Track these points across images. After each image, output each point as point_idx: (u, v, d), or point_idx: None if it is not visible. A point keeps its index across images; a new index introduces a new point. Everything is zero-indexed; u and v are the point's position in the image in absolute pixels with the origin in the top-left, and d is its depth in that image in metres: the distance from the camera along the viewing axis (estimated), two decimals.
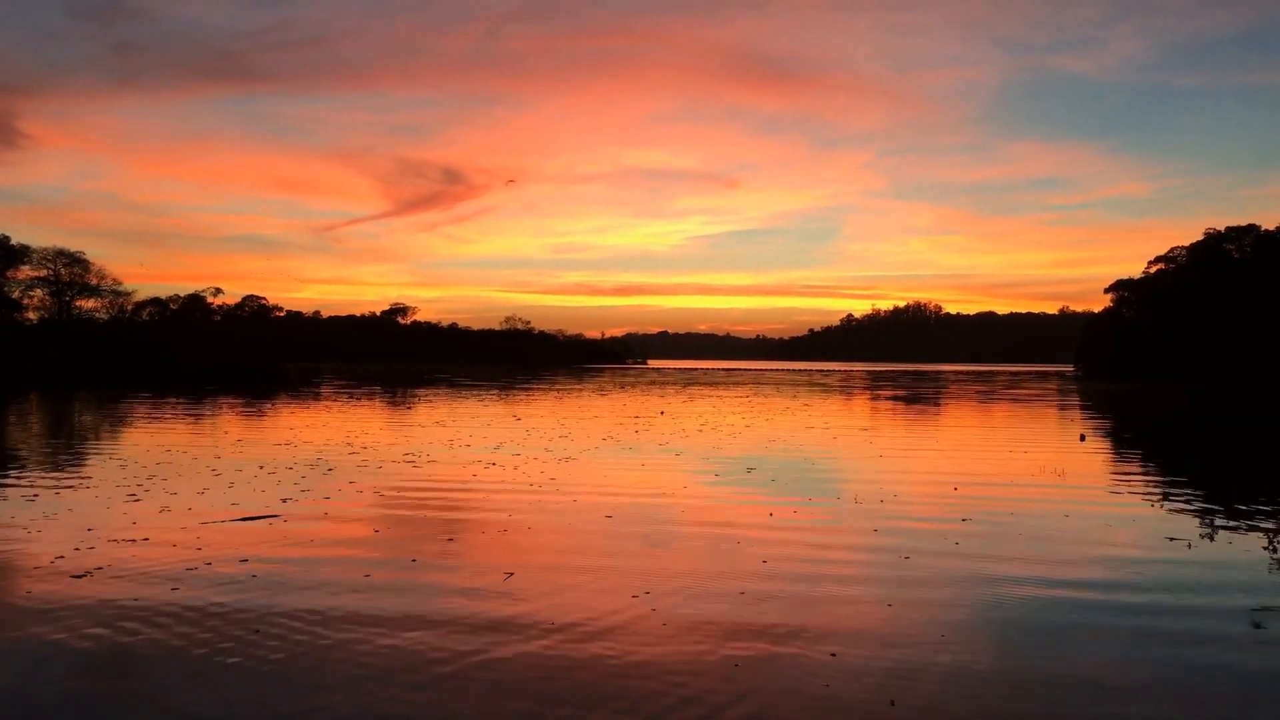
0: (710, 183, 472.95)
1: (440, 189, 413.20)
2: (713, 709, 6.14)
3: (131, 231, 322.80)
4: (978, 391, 69.07)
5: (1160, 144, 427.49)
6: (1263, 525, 13.03)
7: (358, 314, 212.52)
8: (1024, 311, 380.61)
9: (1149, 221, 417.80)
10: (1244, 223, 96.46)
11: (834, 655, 7.19)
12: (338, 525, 12.56)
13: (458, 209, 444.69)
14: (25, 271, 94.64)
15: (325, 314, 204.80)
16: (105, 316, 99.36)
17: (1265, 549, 11.37)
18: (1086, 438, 27.98)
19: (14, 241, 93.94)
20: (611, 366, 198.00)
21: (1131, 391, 68.60)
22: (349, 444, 23.78)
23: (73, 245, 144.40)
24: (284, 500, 14.50)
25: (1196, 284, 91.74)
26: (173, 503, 14.12)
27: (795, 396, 57.08)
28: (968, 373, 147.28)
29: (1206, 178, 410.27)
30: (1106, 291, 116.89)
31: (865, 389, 74.05)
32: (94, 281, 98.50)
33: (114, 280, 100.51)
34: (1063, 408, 46.89)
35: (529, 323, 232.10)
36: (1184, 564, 10.51)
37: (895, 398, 57.55)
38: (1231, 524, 13.16)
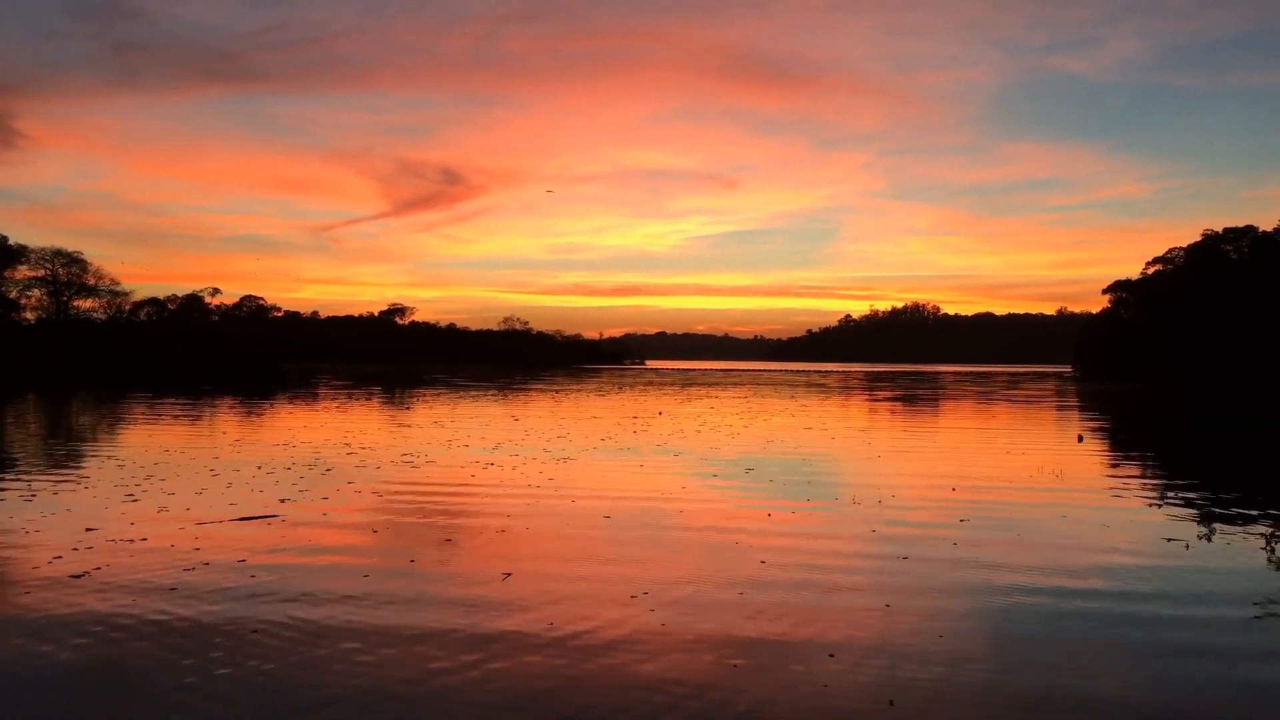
0: (709, 183, 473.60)
1: (439, 189, 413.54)
2: (711, 709, 6.14)
3: (130, 231, 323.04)
4: (975, 392, 69.12)
5: (1159, 145, 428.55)
6: (1260, 527, 13.04)
7: (356, 314, 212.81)
8: (1022, 312, 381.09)
9: (1148, 222, 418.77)
10: (1242, 224, 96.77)
11: (832, 656, 7.20)
12: (336, 526, 12.56)
13: (456, 209, 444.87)
14: (23, 271, 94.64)
15: (323, 314, 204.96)
16: (103, 316, 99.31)
17: (1263, 550, 11.39)
18: (1084, 439, 28.01)
19: (12, 241, 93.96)
20: (610, 367, 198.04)
21: (1129, 392, 68.66)
22: (347, 444, 23.77)
23: (71, 245, 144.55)
24: (282, 501, 14.49)
25: (1194, 285, 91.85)
26: (171, 503, 14.11)
27: (793, 397, 57.09)
28: (966, 374, 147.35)
29: (1205, 179, 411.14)
30: (1104, 292, 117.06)
31: (863, 390, 74.07)
32: (91, 281, 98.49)
33: (112, 280, 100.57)
34: (1061, 409, 46.93)
35: (527, 323, 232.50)
36: (1182, 565, 10.52)
37: (893, 398, 57.57)
38: (1229, 525, 13.18)
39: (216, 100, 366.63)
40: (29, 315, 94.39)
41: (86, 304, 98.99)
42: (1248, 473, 20.49)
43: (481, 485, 16.58)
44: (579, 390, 67.28)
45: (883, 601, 8.79)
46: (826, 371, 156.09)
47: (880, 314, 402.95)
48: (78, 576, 9.43)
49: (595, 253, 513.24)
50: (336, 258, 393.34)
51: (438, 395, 55.03)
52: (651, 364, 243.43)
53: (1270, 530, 12.71)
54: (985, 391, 70.62)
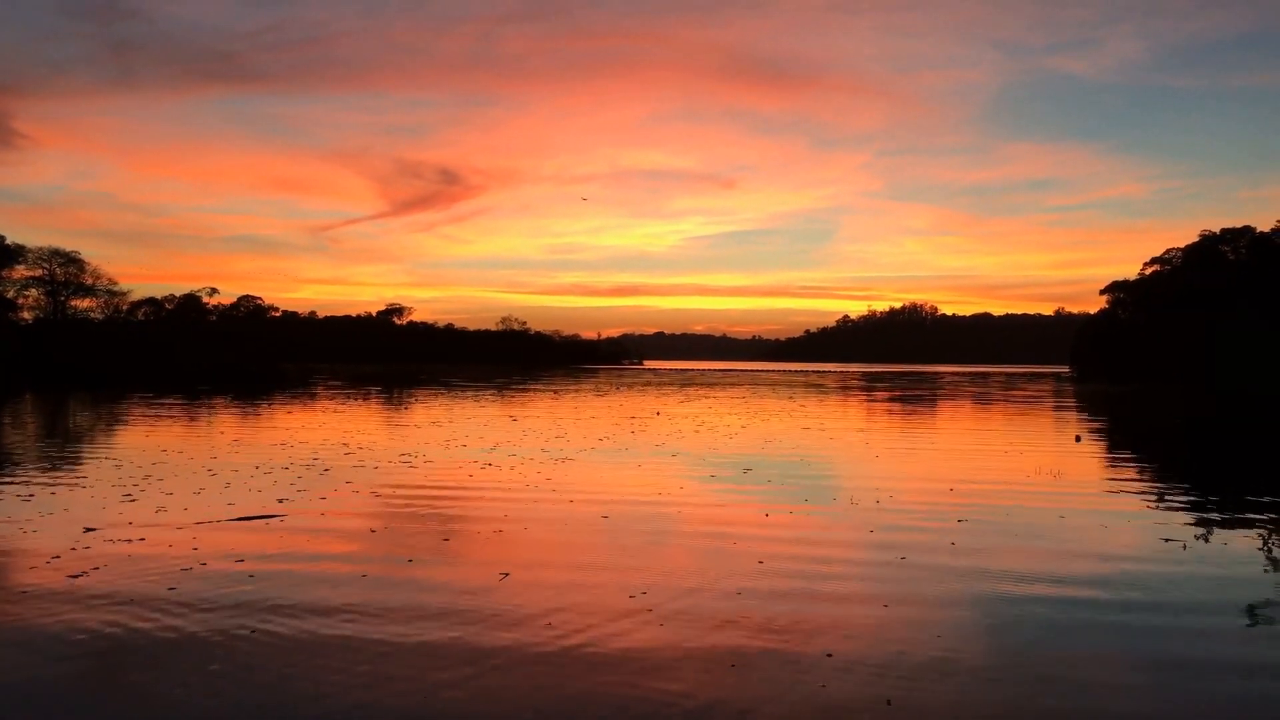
0: (707, 183, 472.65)
1: (437, 189, 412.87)
2: (710, 709, 6.15)
3: (128, 231, 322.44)
4: (973, 393, 69.19)
5: (1158, 145, 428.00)
6: (1257, 526, 13.07)
7: (354, 314, 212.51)
8: (1020, 313, 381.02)
9: (1147, 223, 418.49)
10: (1241, 224, 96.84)
11: (830, 656, 7.21)
12: (334, 527, 12.56)
13: (454, 209, 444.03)
14: (20, 271, 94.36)
15: (321, 314, 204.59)
16: (100, 316, 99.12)
17: (1260, 550, 11.42)
18: (1082, 439, 28.05)
19: (9, 241, 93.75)
20: (608, 367, 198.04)
21: (1127, 393, 68.75)
22: (345, 444, 23.77)
23: (69, 245, 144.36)
24: (280, 501, 14.49)
25: (1191, 286, 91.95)
26: (169, 503, 14.10)
27: (791, 397, 57.13)
28: (964, 374, 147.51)
29: (1204, 179, 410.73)
30: (1102, 293, 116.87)
31: (861, 390, 74.13)
32: (89, 281, 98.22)
33: (109, 280, 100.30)
34: (1058, 409, 46.98)
35: (525, 323, 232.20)
36: (1179, 565, 10.55)
37: (891, 399, 57.62)
38: (1226, 525, 13.21)
39: (215, 100, 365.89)
40: (26, 315, 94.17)
41: (84, 304, 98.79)
42: (1245, 473, 20.52)
43: (479, 486, 16.59)
44: (577, 390, 67.30)
45: (880, 602, 8.81)
46: (824, 372, 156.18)
47: (878, 314, 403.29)
48: (75, 577, 9.43)
49: (593, 253, 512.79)
50: (335, 258, 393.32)
51: (435, 395, 55.02)
52: (649, 364, 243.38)
53: (1268, 530, 12.74)
54: (983, 392, 70.70)
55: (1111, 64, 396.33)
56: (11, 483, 16.24)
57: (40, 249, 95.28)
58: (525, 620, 8.10)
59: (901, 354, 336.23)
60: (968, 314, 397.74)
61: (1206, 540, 12.07)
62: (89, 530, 11.84)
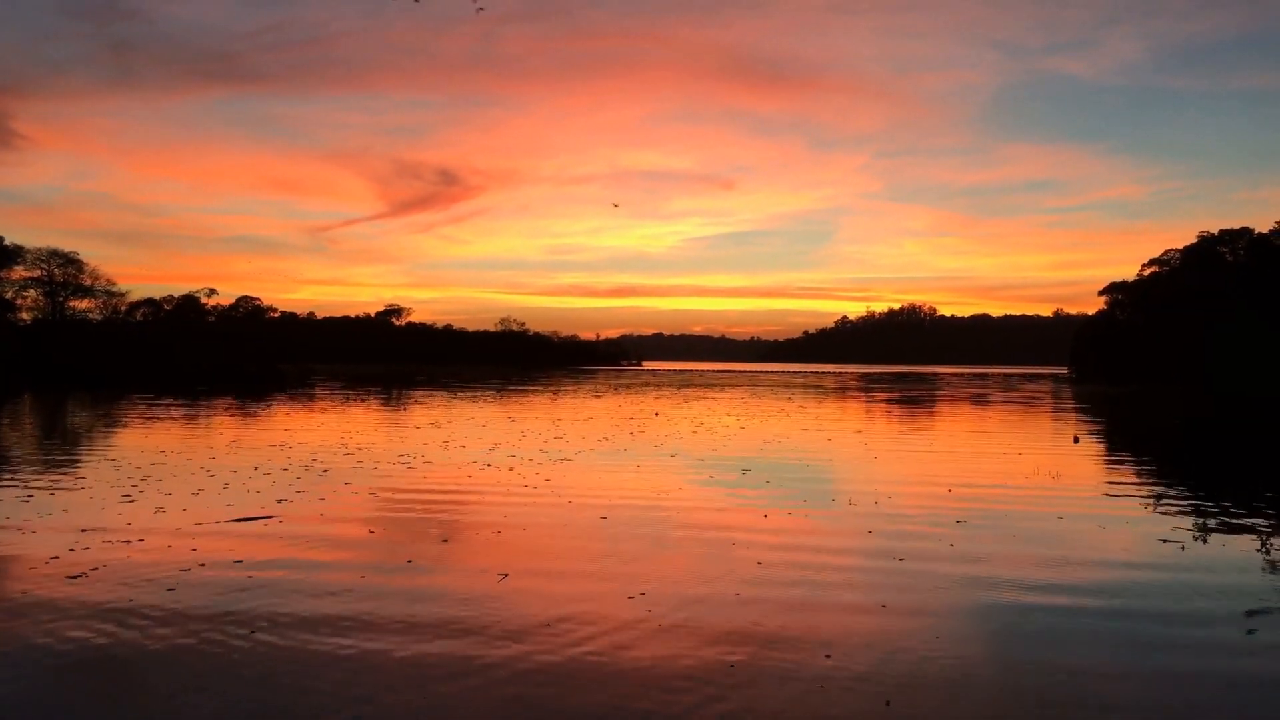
0: (706, 184, 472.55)
1: (436, 190, 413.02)
2: (709, 710, 6.16)
3: (127, 232, 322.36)
4: (972, 394, 69.22)
5: (1156, 146, 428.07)
6: (1255, 528, 13.09)
7: (353, 315, 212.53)
8: (1019, 314, 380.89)
9: (1145, 224, 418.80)
10: (1239, 225, 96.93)
11: (829, 657, 7.22)
12: (333, 527, 12.56)
13: (453, 210, 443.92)
14: (19, 272, 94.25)
15: (320, 315, 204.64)
16: (99, 317, 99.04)
17: (1258, 551, 11.43)
18: (1080, 440, 28.07)
19: (8, 242, 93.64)
20: (606, 368, 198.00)
21: (1125, 394, 68.80)
22: (344, 445, 23.76)
23: (67, 245, 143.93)
24: (279, 502, 14.49)
25: (1190, 287, 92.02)
26: (167, 504, 14.10)
27: (790, 398, 57.14)
28: (962, 375, 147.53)
29: (1202, 180, 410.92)
30: (1100, 294, 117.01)
31: (859, 391, 74.15)
32: (88, 282, 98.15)
33: (108, 281, 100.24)
34: (1057, 410, 47.01)
35: (524, 324, 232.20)
36: (1177, 566, 10.56)
37: (889, 400, 57.64)
38: (1224, 527, 13.22)
39: (214, 100, 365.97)
40: (25, 316, 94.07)
41: (82, 304, 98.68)
42: (1242, 475, 20.55)
43: (478, 487, 16.59)
44: (575, 391, 67.29)
45: (879, 602, 8.82)
46: (823, 373, 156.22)
47: (877, 315, 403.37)
48: (74, 578, 9.43)
49: (592, 254, 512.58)
50: (333, 258, 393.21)
51: (434, 396, 55.01)
52: (648, 365, 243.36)
53: (1265, 532, 12.75)
54: (981, 393, 70.74)
55: (1110, 65, 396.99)
56: (10, 483, 16.23)
57: (39, 249, 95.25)
58: (524, 622, 8.10)
59: (900, 355, 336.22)
60: (966, 315, 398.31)
61: (1204, 542, 12.08)
62: (87, 531, 11.83)
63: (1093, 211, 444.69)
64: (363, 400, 49.55)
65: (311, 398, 51.61)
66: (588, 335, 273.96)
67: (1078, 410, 47.18)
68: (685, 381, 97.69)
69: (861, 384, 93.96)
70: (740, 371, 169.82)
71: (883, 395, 64.98)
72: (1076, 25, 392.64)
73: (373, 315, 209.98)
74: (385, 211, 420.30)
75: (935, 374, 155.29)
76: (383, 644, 7.46)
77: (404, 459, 20.78)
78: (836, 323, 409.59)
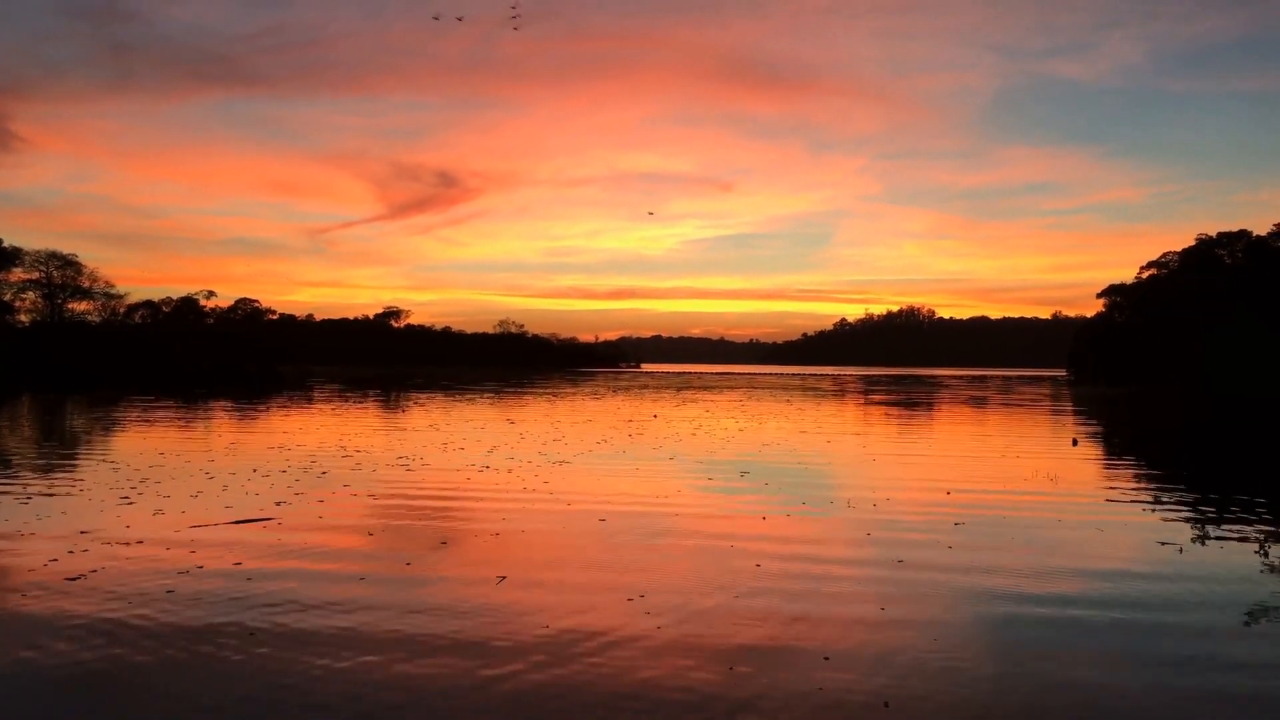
0: (705, 186, 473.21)
1: (434, 192, 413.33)
2: (707, 712, 6.17)
3: (125, 234, 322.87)
4: (970, 396, 69.24)
5: (1154, 149, 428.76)
6: (1254, 530, 13.10)
7: (351, 317, 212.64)
8: (1017, 316, 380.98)
9: (1143, 226, 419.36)
10: (1237, 228, 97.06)
11: (827, 659, 7.23)
12: (331, 529, 12.56)
13: (452, 212, 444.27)
14: (17, 274, 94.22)
15: (319, 317, 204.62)
16: (97, 319, 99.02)
17: (1256, 554, 11.44)
18: (1079, 442, 28.08)
19: (6, 244, 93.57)
20: (605, 370, 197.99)
21: (1123, 397, 68.83)
22: (342, 448, 23.76)
23: (66, 248, 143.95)
24: (278, 504, 14.49)
25: (1188, 289, 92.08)
26: (166, 506, 14.10)
27: (788, 401, 57.14)
28: (961, 377, 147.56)
29: (1200, 183, 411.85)
30: (1099, 296, 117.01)
31: (858, 393, 74.17)
32: (86, 284, 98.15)
33: (106, 283, 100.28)
34: (1055, 413, 47.03)
35: (523, 326, 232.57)
36: (1175, 568, 10.57)
37: (888, 402, 57.65)
38: (1222, 529, 13.23)
39: (212, 103, 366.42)
40: (23, 318, 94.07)
41: (81, 306, 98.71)
42: (1240, 477, 20.56)
43: (477, 489, 16.59)
44: (574, 394, 67.28)
45: (877, 605, 8.82)
46: (821, 375, 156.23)
47: (875, 317, 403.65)
48: (73, 579, 9.43)
49: (591, 256, 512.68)
50: (332, 260, 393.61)
51: (433, 398, 55.00)
52: (647, 367, 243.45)
53: (1263, 534, 12.77)
54: (980, 395, 70.75)
55: (1108, 68, 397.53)
56: (9, 485, 16.22)
57: (37, 252, 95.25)
58: (522, 624, 8.10)
59: (899, 357, 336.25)
60: (965, 317, 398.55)
61: (1203, 544, 12.09)
62: (86, 533, 11.83)
63: (1091, 214, 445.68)
64: (361, 402, 49.53)
65: (310, 400, 51.59)
66: (586, 337, 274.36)
67: (1076, 413, 47.20)
68: (684, 384, 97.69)
69: (860, 386, 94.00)
70: (739, 374, 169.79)
71: (881, 398, 64.99)
72: (1075, 28, 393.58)
73: (371, 317, 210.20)
74: (384, 213, 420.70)
75: (934, 376, 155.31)
76: (381, 646, 7.45)
77: (403, 461, 20.78)
78: (835, 325, 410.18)
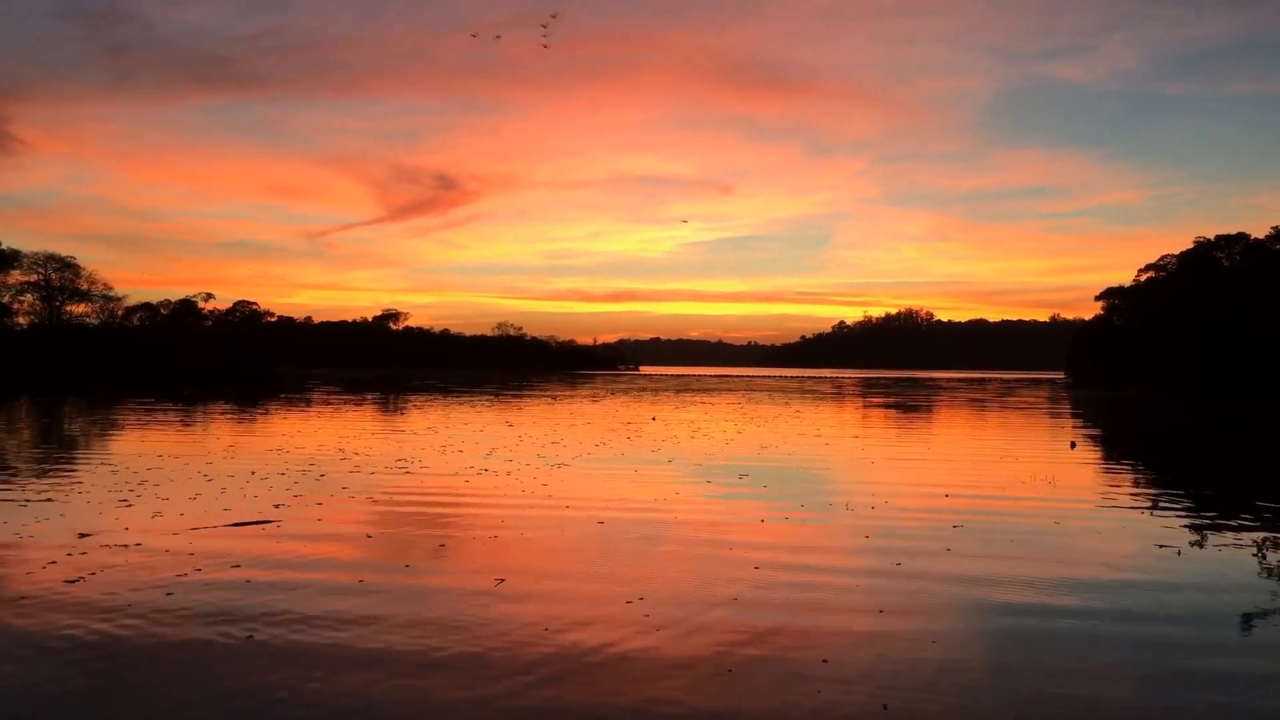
0: (704, 189, 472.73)
1: (433, 195, 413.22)
2: (706, 714, 6.17)
3: (124, 236, 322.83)
4: (969, 399, 69.27)
5: (1153, 152, 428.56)
6: (1252, 532, 13.12)
7: (350, 319, 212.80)
8: (1016, 319, 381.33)
9: (1142, 229, 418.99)
10: (1235, 231, 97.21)
11: (826, 661, 7.23)
12: (330, 532, 12.56)
13: (451, 215, 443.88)
14: (15, 276, 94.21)
15: (317, 319, 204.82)
16: (96, 321, 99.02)
17: (1254, 556, 11.46)
18: (1077, 445, 28.11)
19: (5, 246, 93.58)
20: (604, 372, 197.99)
21: (1122, 400, 68.89)
22: (341, 450, 23.75)
23: (64, 250, 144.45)
24: (277, 506, 14.49)
25: (1187, 292, 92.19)
26: (165, 508, 14.09)
27: (787, 403, 57.17)
28: (959, 380, 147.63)
29: (1199, 186, 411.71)
30: (1097, 299, 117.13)
31: (856, 396, 74.19)
32: (84, 286, 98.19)
33: (105, 285, 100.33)
34: (1053, 416, 47.06)
35: (521, 329, 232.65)
36: (1174, 571, 10.58)
37: (886, 405, 57.68)
38: (1221, 532, 13.25)
39: (211, 105, 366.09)
40: (21, 320, 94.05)
41: (79, 309, 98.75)
42: (1239, 479, 20.59)
43: (475, 492, 16.59)
44: (573, 396, 67.28)
45: (876, 607, 8.83)
46: (820, 378, 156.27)
47: (874, 320, 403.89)
48: (72, 582, 9.43)
49: (590, 258, 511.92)
50: (331, 263, 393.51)
51: (431, 401, 54.99)
52: (645, 370, 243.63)
53: (1261, 537, 12.78)
54: (978, 398, 70.78)
55: (1107, 71, 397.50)
56: (7, 487, 16.22)
57: (36, 254, 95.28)
58: (521, 627, 8.11)
59: (897, 360, 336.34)
60: (964, 320, 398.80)
61: (1201, 546, 12.11)
62: (85, 535, 11.83)
63: (1090, 217, 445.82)
64: (360, 405, 49.52)
65: (309, 402, 51.57)
66: (585, 340, 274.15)
67: (1074, 415, 47.22)
68: (682, 386, 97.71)
69: (859, 389, 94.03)
70: (737, 376, 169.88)
71: (880, 400, 65.02)
72: (1074, 31, 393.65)
73: (370, 320, 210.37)
74: (382, 216, 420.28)
75: (932, 379, 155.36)
76: (380, 648, 7.45)
77: (401, 464, 20.78)
78: (834, 328, 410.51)
